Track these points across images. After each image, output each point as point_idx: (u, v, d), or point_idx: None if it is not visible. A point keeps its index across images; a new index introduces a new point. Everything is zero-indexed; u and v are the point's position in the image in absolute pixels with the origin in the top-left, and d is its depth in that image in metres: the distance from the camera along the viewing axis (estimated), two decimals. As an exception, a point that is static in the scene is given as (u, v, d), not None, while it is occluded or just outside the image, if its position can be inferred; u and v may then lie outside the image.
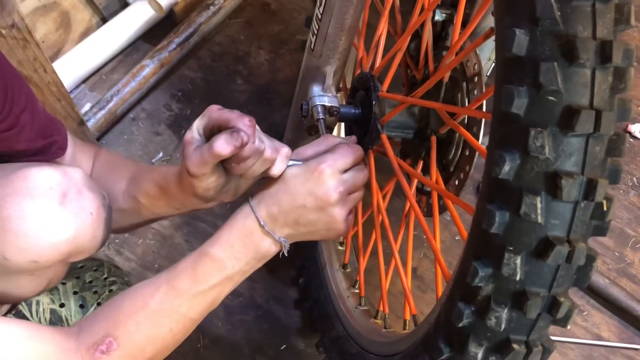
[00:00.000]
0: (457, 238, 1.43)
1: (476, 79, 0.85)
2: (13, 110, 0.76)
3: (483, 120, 0.83)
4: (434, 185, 0.85)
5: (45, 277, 0.74)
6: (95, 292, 0.99)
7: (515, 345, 0.58)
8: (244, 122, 0.67)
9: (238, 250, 0.73)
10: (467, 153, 0.87)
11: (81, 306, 0.97)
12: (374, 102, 0.91)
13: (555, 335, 1.28)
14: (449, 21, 0.94)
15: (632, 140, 1.63)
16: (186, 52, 1.65)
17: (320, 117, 0.95)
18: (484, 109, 0.82)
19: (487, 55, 1.04)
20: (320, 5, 0.90)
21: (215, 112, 0.69)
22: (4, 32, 1.04)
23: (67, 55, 1.55)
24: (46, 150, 0.83)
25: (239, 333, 1.28)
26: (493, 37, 0.59)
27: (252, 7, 1.80)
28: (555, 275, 0.56)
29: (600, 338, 1.34)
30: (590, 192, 0.54)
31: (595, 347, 1.32)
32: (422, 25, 0.92)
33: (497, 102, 0.55)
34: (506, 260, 0.55)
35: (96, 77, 1.62)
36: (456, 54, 0.81)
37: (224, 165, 0.72)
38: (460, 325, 0.59)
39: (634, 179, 1.56)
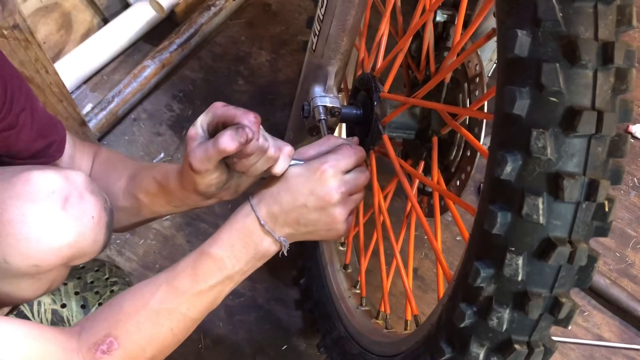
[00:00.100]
0: (458, 238, 1.44)
1: (477, 79, 0.85)
2: (13, 110, 0.76)
3: (484, 121, 0.83)
4: (435, 185, 0.85)
5: (46, 280, 0.74)
6: (97, 293, 0.99)
7: (517, 346, 0.58)
8: (249, 119, 0.67)
9: (238, 249, 0.73)
10: (469, 154, 0.87)
11: (82, 307, 0.97)
12: (375, 102, 0.92)
13: (557, 335, 1.28)
14: (450, 22, 0.94)
15: (633, 141, 1.64)
16: (187, 52, 1.65)
17: (322, 117, 0.95)
18: (485, 110, 0.82)
19: (488, 56, 1.04)
20: (322, 6, 0.90)
21: (219, 108, 0.70)
22: (6, 32, 1.04)
23: (68, 56, 1.55)
24: (44, 152, 0.83)
25: (240, 333, 1.28)
26: (494, 38, 0.59)
27: (253, 7, 1.81)
28: (557, 276, 0.56)
29: (601, 338, 1.34)
30: (592, 192, 0.54)
31: (596, 347, 1.32)
32: (424, 26, 0.92)
33: (499, 103, 0.55)
34: (508, 260, 0.55)
35: (97, 78, 1.62)
36: (457, 55, 0.81)
37: (227, 161, 0.72)
38: (462, 325, 0.59)
39: (635, 179, 1.56)
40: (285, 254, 0.76)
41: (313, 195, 0.72)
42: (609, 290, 1.33)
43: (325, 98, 0.97)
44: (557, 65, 0.51)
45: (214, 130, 0.70)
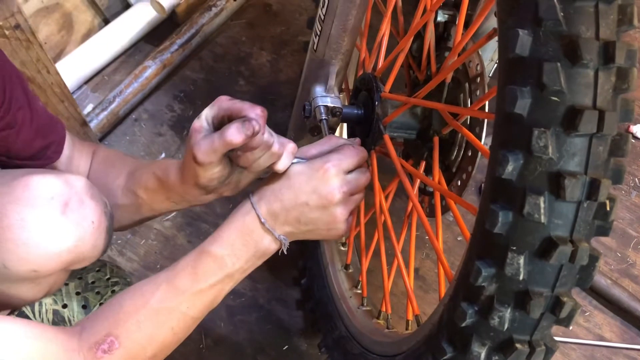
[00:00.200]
0: (459, 239, 1.44)
1: (478, 79, 0.85)
2: (12, 109, 0.76)
3: (485, 120, 0.83)
4: (436, 185, 0.85)
5: (46, 284, 0.74)
6: (98, 293, 0.99)
7: (518, 345, 0.58)
8: (256, 112, 0.67)
9: (238, 247, 0.73)
10: (470, 153, 0.87)
11: (84, 307, 0.97)
12: (376, 102, 0.92)
13: (558, 335, 1.28)
14: (451, 22, 0.94)
15: (634, 141, 1.64)
16: (188, 53, 1.65)
17: (323, 117, 0.95)
18: (487, 110, 0.82)
19: (489, 56, 1.04)
20: (323, 6, 0.90)
21: (225, 102, 0.70)
22: (7, 33, 1.04)
23: (69, 56, 1.55)
24: (43, 153, 0.83)
25: (241, 334, 1.29)
26: (496, 38, 0.59)
27: (254, 8, 1.81)
28: (558, 275, 0.56)
29: (602, 339, 1.34)
30: (593, 192, 0.54)
31: (597, 347, 1.32)
32: (425, 26, 0.92)
33: (500, 102, 0.56)
34: (509, 260, 0.55)
35: (98, 78, 1.62)
36: (459, 55, 0.81)
37: (230, 155, 0.72)
38: (463, 325, 0.59)
39: (636, 179, 1.56)
40: (285, 252, 0.76)
41: (315, 193, 0.72)
42: (610, 290, 1.33)
43: (326, 98, 0.97)
44: (559, 64, 0.51)
45: (219, 123, 0.70)
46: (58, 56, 1.57)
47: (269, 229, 0.73)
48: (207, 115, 0.71)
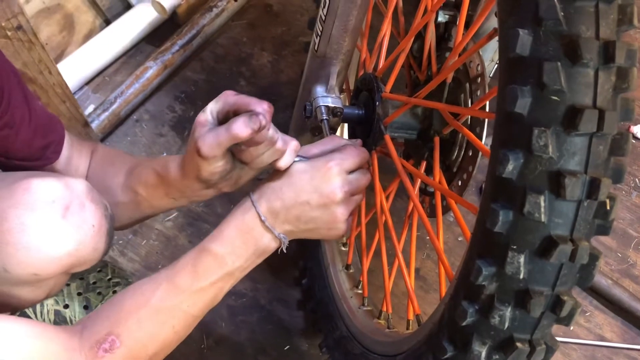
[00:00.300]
0: (459, 239, 1.44)
1: (479, 79, 0.85)
2: (10, 108, 0.76)
3: (486, 120, 0.83)
4: (437, 185, 0.85)
5: (46, 287, 0.74)
6: (99, 293, 0.99)
7: (518, 344, 0.58)
8: (262, 107, 0.68)
9: (238, 246, 0.73)
10: (470, 153, 0.87)
11: (85, 307, 0.97)
12: (377, 102, 0.92)
13: (558, 335, 1.28)
14: (452, 22, 0.95)
15: (634, 141, 1.64)
16: (189, 54, 1.65)
17: (324, 117, 0.95)
18: (487, 110, 0.82)
19: (490, 57, 1.05)
20: (324, 6, 0.90)
21: (231, 96, 0.70)
22: (9, 34, 1.05)
23: (70, 57, 1.55)
24: (42, 153, 0.83)
25: (242, 334, 1.29)
26: (496, 38, 0.60)
27: (255, 9, 1.81)
28: (559, 274, 0.56)
29: (602, 339, 1.34)
30: (594, 191, 0.54)
31: (597, 347, 1.32)
32: (425, 27, 0.92)
33: (500, 101, 0.56)
34: (510, 259, 0.55)
35: (100, 79, 1.62)
36: (459, 55, 0.81)
37: (233, 150, 0.72)
38: (464, 324, 0.60)
39: (637, 180, 1.56)
40: (285, 251, 0.76)
41: (317, 192, 0.72)
42: (610, 290, 1.33)
43: (327, 98, 0.97)
44: (559, 64, 0.52)
45: (224, 118, 0.70)
46: (59, 57, 1.58)
47: (268, 227, 0.73)
48: (212, 109, 0.71)
